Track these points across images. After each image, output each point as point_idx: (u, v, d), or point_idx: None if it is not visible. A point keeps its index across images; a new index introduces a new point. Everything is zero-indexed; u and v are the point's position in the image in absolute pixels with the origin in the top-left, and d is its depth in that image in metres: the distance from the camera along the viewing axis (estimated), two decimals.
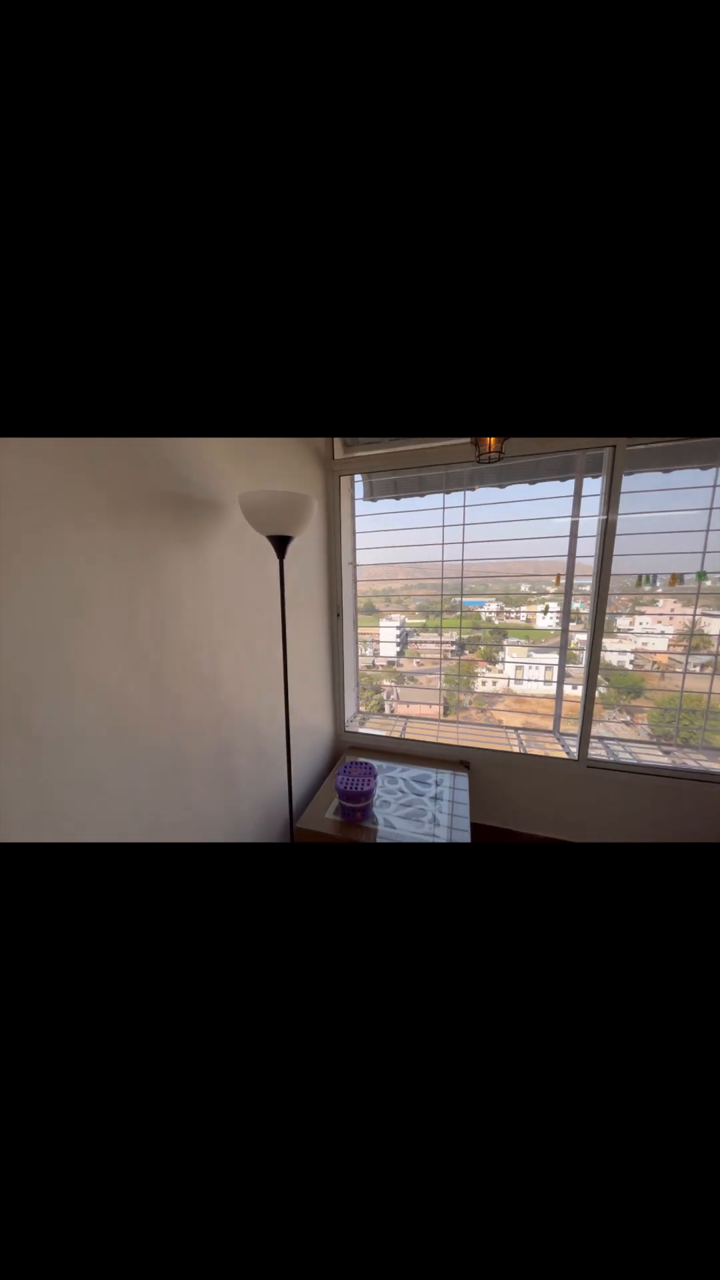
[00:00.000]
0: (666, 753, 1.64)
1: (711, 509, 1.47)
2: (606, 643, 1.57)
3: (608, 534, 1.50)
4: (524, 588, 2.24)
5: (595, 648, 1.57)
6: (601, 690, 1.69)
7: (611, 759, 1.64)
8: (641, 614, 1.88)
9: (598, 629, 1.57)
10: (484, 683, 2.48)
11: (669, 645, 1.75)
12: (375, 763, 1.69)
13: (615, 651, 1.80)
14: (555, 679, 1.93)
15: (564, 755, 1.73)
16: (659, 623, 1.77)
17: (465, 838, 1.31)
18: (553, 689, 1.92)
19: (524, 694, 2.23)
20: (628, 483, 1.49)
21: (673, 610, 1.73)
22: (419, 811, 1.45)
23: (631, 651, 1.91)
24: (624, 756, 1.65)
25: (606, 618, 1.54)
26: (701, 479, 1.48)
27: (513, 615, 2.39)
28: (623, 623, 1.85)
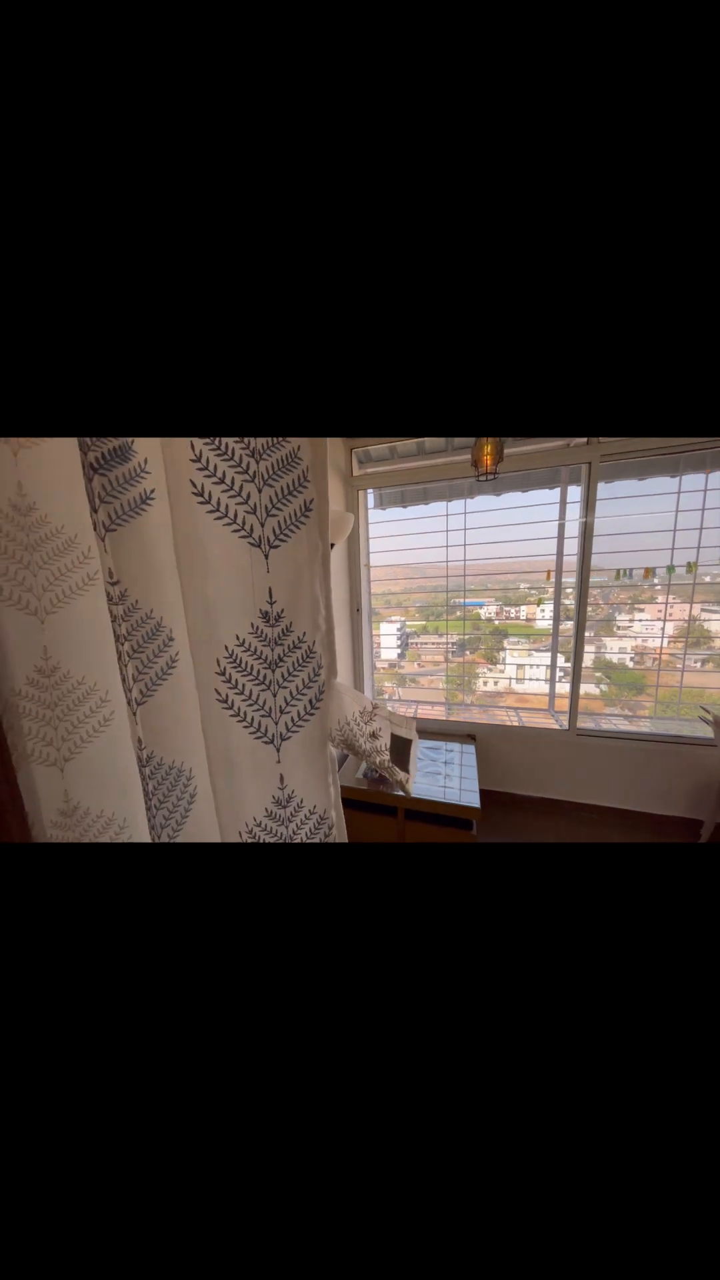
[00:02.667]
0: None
1: (678, 511, 1.78)
2: (608, 641, 1.84)
3: (587, 534, 1.81)
4: (523, 586, 2.39)
5: (580, 630, 1.89)
6: (603, 688, 1.92)
7: (596, 728, 1.95)
8: (640, 610, 1.98)
9: (581, 615, 1.88)
10: (485, 682, 2.57)
11: (669, 641, 1.86)
12: None
13: (615, 652, 1.96)
14: (550, 669, 2.22)
15: (556, 726, 2.04)
16: (657, 619, 1.90)
17: (475, 797, 1.61)
18: (557, 687, 2.18)
19: (525, 692, 2.35)
20: (609, 489, 1.81)
21: (669, 601, 1.85)
22: (435, 774, 1.75)
23: (631, 650, 2.05)
24: (606, 725, 1.96)
25: (606, 614, 1.84)
26: (669, 485, 1.78)
27: (512, 616, 2.53)
28: (622, 619, 2.01)
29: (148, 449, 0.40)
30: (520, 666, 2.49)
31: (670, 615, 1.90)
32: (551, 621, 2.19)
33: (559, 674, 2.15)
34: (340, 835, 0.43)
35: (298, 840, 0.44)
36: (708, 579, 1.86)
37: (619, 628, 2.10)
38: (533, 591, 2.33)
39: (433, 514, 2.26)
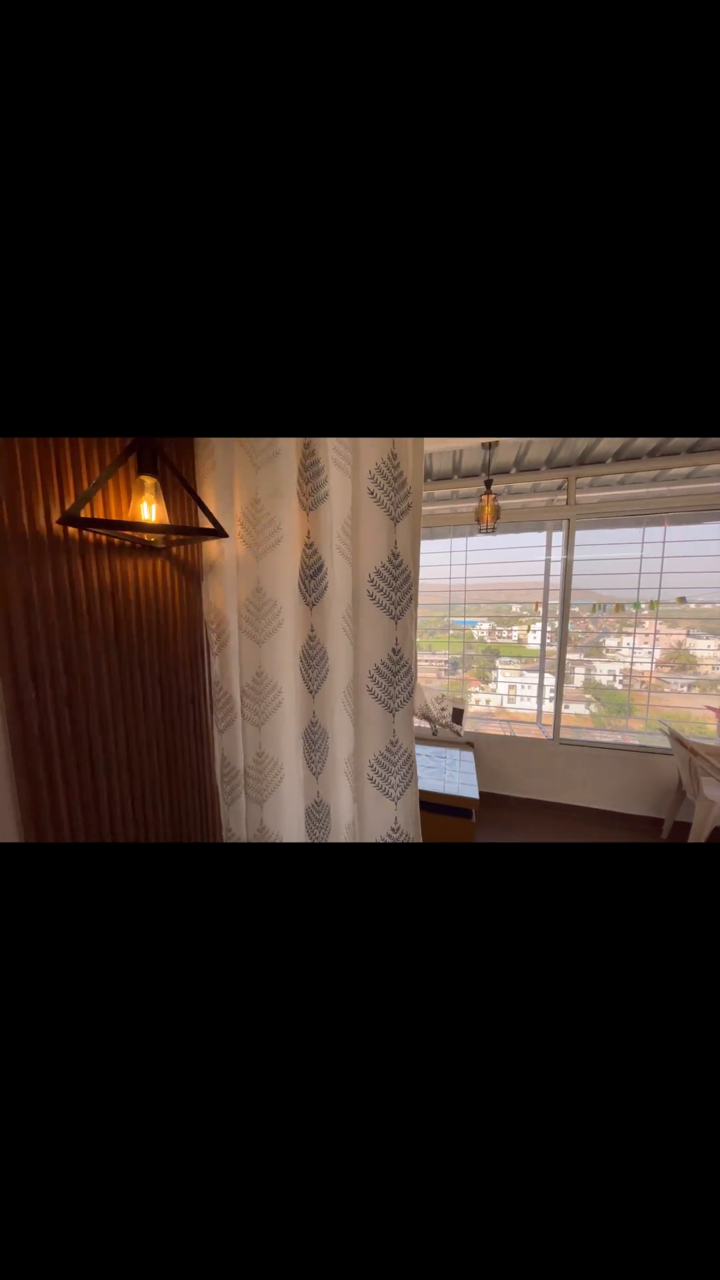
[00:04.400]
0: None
1: (642, 557, 2.22)
2: (597, 664, 2.23)
3: (567, 573, 2.25)
4: (515, 608, 2.72)
5: (562, 651, 2.31)
6: (592, 709, 2.22)
7: (577, 738, 2.34)
8: (628, 635, 2.27)
9: (563, 638, 2.31)
10: (477, 701, 2.76)
11: (655, 665, 2.15)
12: None
13: (604, 675, 2.24)
14: (538, 688, 2.61)
15: (543, 737, 2.42)
16: (645, 643, 2.19)
17: (474, 790, 1.96)
18: (546, 705, 2.57)
19: (516, 711, 2.60)
20: (591, 535, 2.24)
21: (656, 631, 2.19)
22: (440, 773, 2.10)
23: (619, 673, 2.31)
24: (585, 738, 2.35)
25: (594, 638, 2.25)
26: (634, 535, 2.22)
27: (504, 636, 2.79)
28: (610, 643, 2.37)
29: (332, 565, 0.76)
30: (512, 686, 2.72)
31: (656, 642, 2.22)
32: (539, 646, 2.59)
33: (548, 694, 2.51)
34: (414, 772, 0.79)
35: (396, 773, 0.77)
36: (693, 606, 2.26)
37: (608, 650, 2.45)
38: (524, 614, 2.69)
39: (436, 549, 2.68)
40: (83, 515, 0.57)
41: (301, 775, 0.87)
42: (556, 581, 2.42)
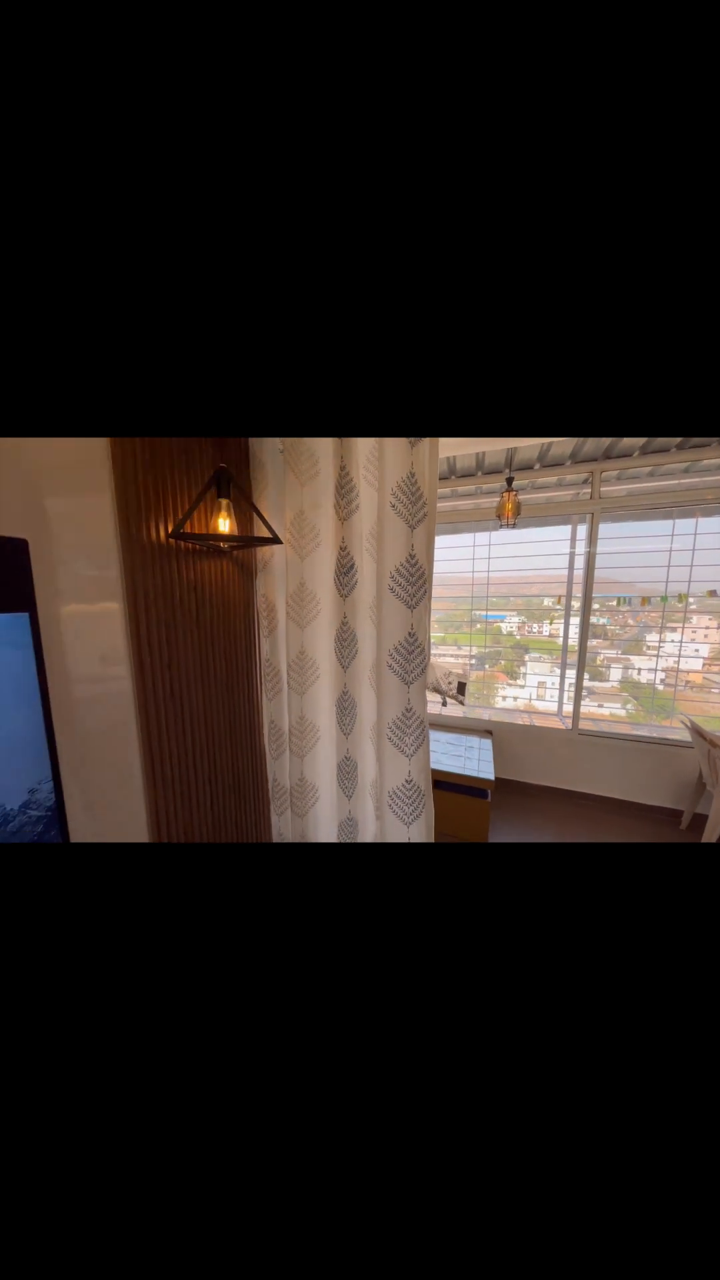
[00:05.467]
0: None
1: (671, 550, 2.23)
2: (636, 660, 2.21)
3: (589, 565, 2.31)
4: (547, 601, 2.61)
5: (583, 642, 2.38)
6: (629, 709, 2.18)
7: (596, 729, 2.40)
8: (672, 630, 2.07)
9: (584, 631, 2.37)
10: (504, 698, 2.72)
11: (704, 665, 2.01)
12: None
13: (647, 669, 2.07)
14: (560, 681, 2.66)
15: (562, 726, 2.51)
16: (693, 639, 2.06)
17: (490, 771, 2.10)
18: (568, 698, 2.56)
19: (544, 709, 2.55)
20: (617, 529, 2.27)
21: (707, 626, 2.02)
22: (458, 757, 2.26)
23: (662, 671, 2.20)
24: (605, 729, 2.42)
25: (634, 633, 2.28)
26: (664, 529, 2.24)
27: (534, 631, 2.69)
28: (651, 638, 2.27)
29: (361, 565, 0.97)
30: (541, 682, 2.62)
31: (706, 638, 2.05)
32: (562, 639, 2.64)
33: (580, 691, 2.40)
34: (425, 734, 0.97)
35: (410, 735, 0.95)
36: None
37: (648, 648, 2.31)
38: (557, 609, 2.64)
39: (460, 544, 2.78)
40: (179, 532, 0.80)
41: (334, 735, 1.08)
42: (580, 575, 2.47)
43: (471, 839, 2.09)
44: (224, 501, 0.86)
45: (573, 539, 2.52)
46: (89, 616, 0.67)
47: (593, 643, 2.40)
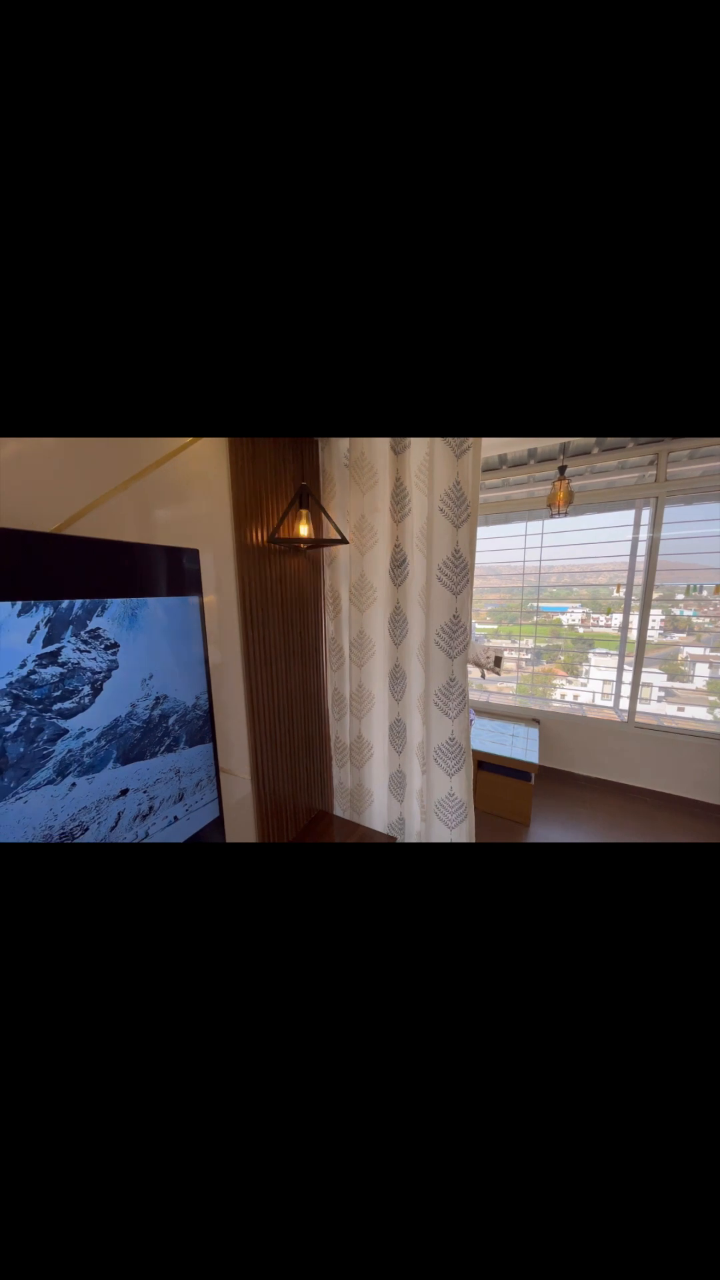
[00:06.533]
0: None
1: None
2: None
3: (652, 550, 2.24)
4: (616, 592, 2.38)
5: (642, 632, 2.32)
6: (718, 712, 1.97)
7: (657, 722, 2.34)
8: None
9: (644, 619, 2.31)
10: (563, 695, 2.60)
11: None
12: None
13: None
14: (621, 674, 2.56)
15: (616, 718, 2.47)
16: None
17: (535, 756, 2.18)
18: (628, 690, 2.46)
19: (605, 706, 2.42)
20: (686, 512, 2.17)
21: None
22: (501, 742, 2.36)
23: None
24: (664, 723, 2.34)
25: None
26: None
27: (601, 624, 2.47)
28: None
29: (412, 559, 1.18)
30: (607, 682, 2.41)
31: None
32: (621, 628, 2.57)
33: (638, 680, 2.32)
34: (466, 700, 1.15)
35: (453, 700, 1.15)
36: None
37: None
38: (619, 596, 2.48)
39: (512, 533, 2.79)
40: (275, 537, 1.06)
41: (387, 702, 1.32)
42: (643, 562, 2.39)
43: (514, 819, 2.20)
44: (304, 511, 1.10)
45: (636, 524, 2.43)
46: (219, 601, 0.96)
47: (675, 637, 2.24)
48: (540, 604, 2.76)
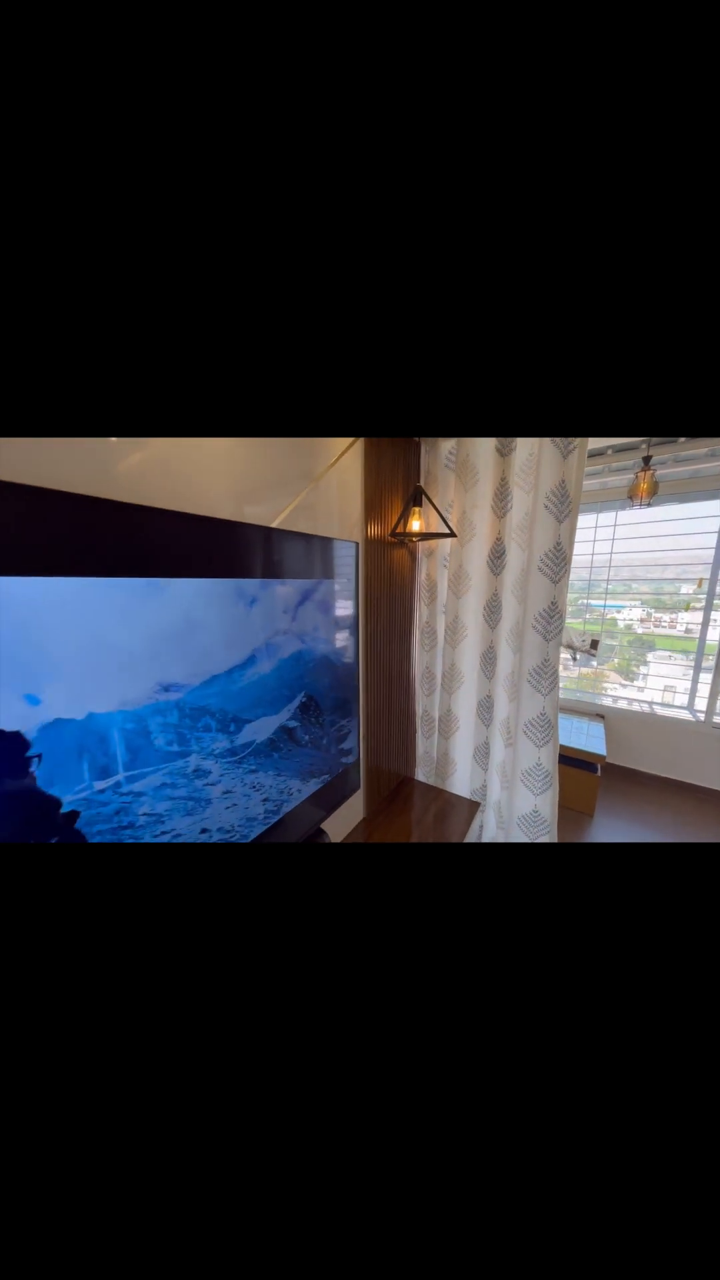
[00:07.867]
0: None
1: None
2: None
3: None
4: (685, 588, 2.32)
5: (706, 625, 2.24)
6: None
7: None
8: None
9: (707, 613, 2.24)
10: (616, 700, 2.52)
11: None
12: None
13: None
14: (693, 672, 2.51)
15: (690, 719, 2.43)
16: None
17: (601, 748, 2.21)
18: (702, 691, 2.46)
19: (677, 707, 2.38)
20: None
21: None
22: (569, 734, 2.40)
23: None
24: None
25: None
26: None
27: (665, 624, 2.41)
28: None
29: (509, 551, 1.34)
30: (669, 687, 2.35)
31: None
32: (701, 629, 2.47)
33: (718, 684, 2.28)
34: (557, 680, 1.28)
35: (545, 679, 1.29)
36: None
37: None
38: (700, 593, 2.40)
39: (582, 525, 2.77)
40: (395, 532, 1.25)
41: (477, 680, 1.49)
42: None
43: (580, 809, 2.25)
44: (415, 510, 1.27)
45: None
46: (351, 587, 1.17)
47: None
48: (592, 601, 2.66)
